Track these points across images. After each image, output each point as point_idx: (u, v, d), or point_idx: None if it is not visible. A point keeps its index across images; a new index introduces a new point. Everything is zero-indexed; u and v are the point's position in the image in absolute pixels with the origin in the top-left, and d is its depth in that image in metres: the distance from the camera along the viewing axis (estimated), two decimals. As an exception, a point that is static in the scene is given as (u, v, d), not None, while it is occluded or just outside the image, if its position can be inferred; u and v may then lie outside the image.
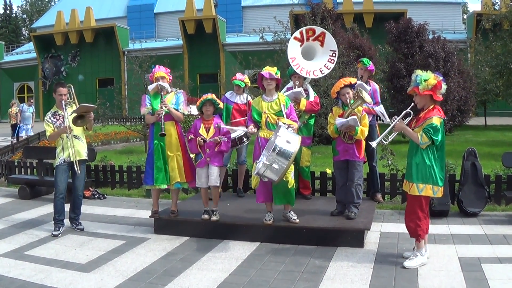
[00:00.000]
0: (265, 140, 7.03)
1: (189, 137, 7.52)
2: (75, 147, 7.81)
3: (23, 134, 22.34)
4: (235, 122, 8.82)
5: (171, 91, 7.83)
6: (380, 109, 7.24)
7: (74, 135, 7.84)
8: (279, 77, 7.25)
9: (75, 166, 7.75)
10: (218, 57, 45.23)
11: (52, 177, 11.35)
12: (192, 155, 7.93)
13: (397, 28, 22.27)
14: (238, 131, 8.53)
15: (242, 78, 9.14)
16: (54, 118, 7.92)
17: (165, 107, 7.53)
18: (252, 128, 7.16)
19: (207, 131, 7.49)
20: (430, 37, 22.44)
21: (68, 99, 8.03)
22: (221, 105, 7.93)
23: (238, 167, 9.55)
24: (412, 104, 6.12)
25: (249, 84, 9.33)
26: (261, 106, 7.20)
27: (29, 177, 11.60)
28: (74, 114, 7.70)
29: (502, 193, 8.84)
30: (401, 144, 15.71)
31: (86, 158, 8.12)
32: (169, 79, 7.93)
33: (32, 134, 22.68)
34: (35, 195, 10.96)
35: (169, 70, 8.07)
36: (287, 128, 6.61)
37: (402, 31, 22.05)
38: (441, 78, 5.92)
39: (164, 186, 7.72)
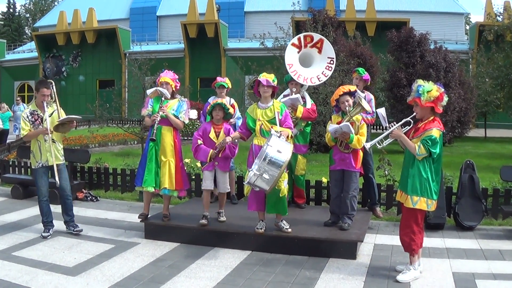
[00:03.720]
0: (259, 148, 6.92)
1: (199, 142, 7.45)
2: (54, 152, 7.66)
3: (16, 133, 22.18)
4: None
5: (175, 98, 7.77)
6: (382, 112, 7.16)
7: (52, 139, 7.67)
8: (276, 85, 7.16)
9: (55, 174, 7.52)
10: (219, 61, 45.15)
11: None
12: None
13: (398, 37, 22.18)
14: None
15: (223, 79, 9.09)
16: (32, 117, 7.70)
17: (163, 112, 7.45)
18: (228, 139, 7.17)
19: (217, 136, 7.50)
20: (432, 47, 22.35)
21: (49, 98, 7.82)
22: (231, 110, 8.00)
23: (228, 174, 9.41)
24: (414, 114, 5.99)
25: (230, 86, 9.22)
26: (256, 113, 7.10)
27: (22, 177, 11.48)
28: (57, 122, 7.53)
29: (499, 207, 8.72)
30: (398, 154, 15.62)
31: (63, 161, 7.92)
32: (175, 85, 7.83)
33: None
34: (28, 195, 10.85)
35: (177, 77, 7.99)
36: (279, 137, 6.49)
37: (404, 40, 21.96)
38: (443, 90, 5.82)
39: (151, 190, 7.59)
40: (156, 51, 34.71)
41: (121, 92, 26.33)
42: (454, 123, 21.77)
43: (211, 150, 7.38)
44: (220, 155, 7.41)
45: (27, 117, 7.70)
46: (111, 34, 47.19)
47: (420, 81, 5.91)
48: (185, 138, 19.86)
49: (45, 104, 7.68)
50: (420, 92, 5.77)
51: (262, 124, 7.01)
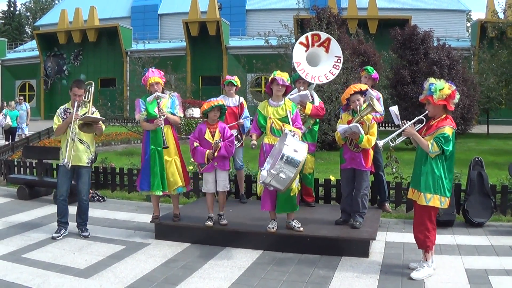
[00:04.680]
0: (270, 146, 6.92)
1: (195, 145, 7.38)
2: (77, 152, 7.59)
3: (19, 132, 22.22)
4: (229, 127, 8.71)
5: (165, 94, 7.71)
6: (395, 109, 7.17)
7: (80, 139, 7.60)
8: (289, 84, 7.15)
9: (67, 164, 7.45)
10: (221, 60, 45.18)
11: (51, 177, 11.28)
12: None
13: (402, 35, 22.14)
14: None
15: (232, 77, 9.07)
16: (64, 114, 7.68)
17: (163, 116, 7.40)
18: (253, 142, 7.02)
19: (213, 136, 7.40)
20: (435, 44, 22.32)
21: (84, 98, 7.71)
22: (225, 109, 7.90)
23: (237, 173, 9.41)
24: (426, 112, 5.98)
25: (239, 84, 9.20)
26: (267, 111, 7.10)
27: (28, 177, 11.42)
28: (80, 121, 7.47)
29: (509, 203, 8.73)
30: (403, 152, 15.63)
31: (88, 165, 7.80)
32: (163, 82, 7.77)
33: (26, 132, 22.55)
34: (34, 195, 10.81)
35: (162, 73, 7.90)
36: (293, 136, 6.48)
37: (407, 38, 21.92)
38: (454, 87, 5.82)
39: (160, 193, 7.56)
40: (157, 49, 34.65)
41: (123, 91, 26.32)
42: (457, 120, 21.75)
43: (207, 151, 7.28)
44: (215, 155, 7.28)
45: (60, 113, 7.70)
46: (113, 32, 47.24)
47: (432, 79, 5.89)
48: (188, 137, 19.80)
49: (76, 104, 7.58)
50: (432, 90, 5.76)
51: (273, 122, 6.99)
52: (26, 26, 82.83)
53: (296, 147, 6.26)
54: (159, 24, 55.01)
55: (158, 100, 7.47)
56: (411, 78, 21.00)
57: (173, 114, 7.58)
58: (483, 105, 26.94)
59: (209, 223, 7.37)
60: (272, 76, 7.12)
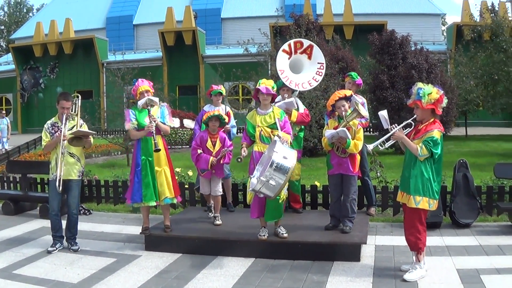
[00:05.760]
0: (259, 154, 6.97)
1: (198, 152, 7.70)
2: (67, 165, 7.51)
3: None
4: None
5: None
6: (384, 114, 7.29)
7: (70, 153, 7.55)
8: (275, 92, 7.20)
9: (57, 184, 7.37)
10: (197, 69, 45.09)
11: (36, 192, 11.18)
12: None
13: (380, 40, 22.32)
14: None
15: (219, 87, 9.09)
16: (52, 129, 7.62)
17: (155, 122, 7.38)
18: (244, 152, 7.11)
19: (214, 145, 7.77)
20: (413, 48, 22.52)
21: (71, 112, 7.65)
22: (226, 118, 8.16)
23: (224, 181, 9.39)
24: (414, 116, 6.06)
25: (225, 93, 9.24)
26: (255, 120, 7.14)
27: (12, 192, 11.27)
28: (70, 135, 7.39)
29: (494, 204, 8.85)
30: (385, 156, 15.77)
31: (78, 178, 7.72)
32: (152, 92, 7.77)
33: (7, 147, 22.34)
34: (19, 210, 10.67)
35: (152, 83, 7.92)
36: (282, 143, 6.52)
37: (385, 42, 22.09)
38: (442, 92, 5.91)
39: (153, 203, 7.53)
40: (134, 60, 34.54)
41: (101, 103, 26.18)
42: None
43: (211, 158, 7.58)
44: (221, 162, 7.70)
45: (48, 128, 7.63)
46: (88, 44, 46.89)
47: (420, 84, 6.00)
48: (169, 147, 19.79)
49: (64, 117, 7.53)
50: (421, 94, 5.85)
51: (261, 130, 7.04)
52: (1, 39, 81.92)
53: (285, 154, 6.30)
54: (134, 35, 54.68)
55: (149, 108, 7.46)
56: (390, 83, 21.15)
57: (163, 123, 7.57)
58: (461, 108, 27.24)
59: (210, 214, 8.29)
60: (257, 85, 7.18)
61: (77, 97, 7.83)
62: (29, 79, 49.32)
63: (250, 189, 6.47)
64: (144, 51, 50.43)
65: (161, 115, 7.60)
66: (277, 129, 6.95)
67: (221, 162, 7.69)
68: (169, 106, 7.99)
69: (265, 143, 7.01)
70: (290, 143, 7.00)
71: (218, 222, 7.92)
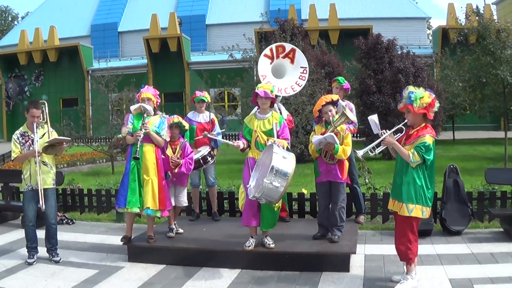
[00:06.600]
0: (254, 161, 6.77)
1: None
2: (42, 175, 7.26)
3: None
4: (198, 140, 8.59)
5: (156, 115, 7.56)
6: (374, 118, 7.14)
7: (43, 161, 7.31)
8: (274, 96, 7.00)
9: (40, 199, 7.15)
10: (183, 75, 44.89)
11: (18, 201, 10.88)
12: None
13: (366, 44, 22.16)
14: (202, 151, 8.45)
15: (202, 94, 8.87)
16: (22, 139, 7.37)
17: (145, 129, 7.21)
18: (239, 144, 6.93)
19: (174, 152, 7.64)
20: (399, 52, 22.42)
21: (40, 119, 7.47)
22: (187, 126, 8.00)
23: (209, 190, 9.17)
24: (405, 121, 5.86)
25: (209, 100, 9.04)
26: (253, 124, 6.96)
27: (-8, 202, 10.97)
28: (46, 144, 7.18)
29: (486, 210, 8.69)
30: (373, 161, 15.61)
31: (54, 186, 7.55)
32: (157, 101, 7.62)
33: None
34: (1, 220, 10.39)
35: (158, 92, 7.78)
36: (278, 146, 6.33)
37: (372, 47, 21.95)
38: (434, 96, 5.72)
39: (137, 210, 7.28)
40: (119, 67, 34.28)
41: (86, 110, 25.88)
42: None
43: (171, 157, 7.58)
44: (176, 170, 7.53)
45: (18, 138, 7.37)
46: (73, 51, 46.58)
47: (411, 88, 5.79)
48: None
49: (34, 126, 7.31)
50: (412, 99, 5.66)
51: (258, 136, 6.86)
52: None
53: (284, 155, 6.15)
54: (119, 42, 54.44)
55: (145, 115, 7.35)
56: (376, 87, 21.01)
57: (158, 133, 7.38)
58: (448, 112, 27.19)
59: (171, 234, 7.71)
60: (256, 89, 7.03)
61: (44, 104, 7.61)
62: (14, 87, 48.87)
63: (250, 196, 6.24)
64: (129, 58, 50.12)
65: (159, 125, 7.45)
66: (274, 136, 6.79)
67: (176, 171, 7.51)
68: (169, 120, 7.77)
69: (260, 150, 6.81)
70: (288, 148, 6.80)
71: (172, 234, 7.72)
